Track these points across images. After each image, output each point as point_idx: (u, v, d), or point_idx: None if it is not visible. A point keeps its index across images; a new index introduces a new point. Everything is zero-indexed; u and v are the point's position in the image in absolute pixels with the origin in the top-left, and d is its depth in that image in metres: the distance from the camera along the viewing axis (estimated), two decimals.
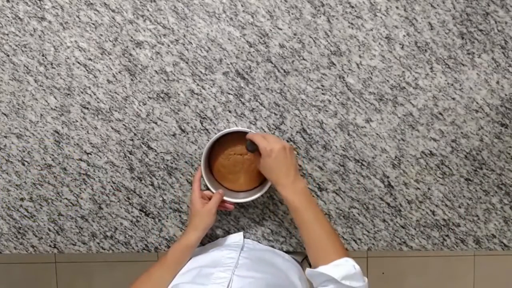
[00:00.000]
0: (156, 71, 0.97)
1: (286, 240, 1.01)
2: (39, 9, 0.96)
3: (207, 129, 0.98)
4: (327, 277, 0.74)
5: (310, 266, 0.83)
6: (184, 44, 0.96)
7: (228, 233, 1.01)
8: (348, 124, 0.97)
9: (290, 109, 0.97)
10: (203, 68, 0.96)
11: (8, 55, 0.97)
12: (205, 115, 0.98)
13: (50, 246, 1.02)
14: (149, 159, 0.99)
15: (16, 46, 0.96)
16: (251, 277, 0.78)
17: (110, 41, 0.96)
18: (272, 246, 1.01)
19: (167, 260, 0.86)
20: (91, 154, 0.99)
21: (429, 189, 0.99)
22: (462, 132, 0.98)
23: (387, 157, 0.98)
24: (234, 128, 0.92)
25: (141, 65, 0.97)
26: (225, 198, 0.91)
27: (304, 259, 1.03)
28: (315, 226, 0.81)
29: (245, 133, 0.90)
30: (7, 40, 0.96)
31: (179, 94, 0.97)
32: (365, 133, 0.98)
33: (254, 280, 0.77)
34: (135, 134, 0.98)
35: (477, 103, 0.97)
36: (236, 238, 0.97)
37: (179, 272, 0.85)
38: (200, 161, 0.96)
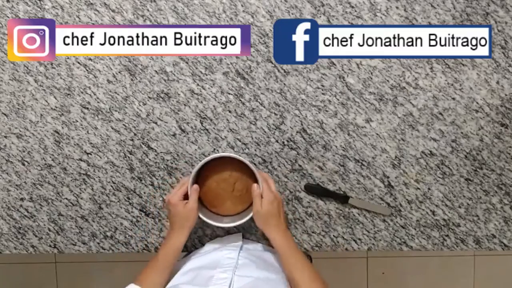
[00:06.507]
0: (156, 71, 0.97)
1: None
2: (39, 9, 0.96)
3: (207, 129, 0.98)
4: None
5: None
6: None
7: (228, 233, 1.01)
8: (348, 124, 0.97)
9: (290, 109, 0.97)
10: (203, 68, 0.96)
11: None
12: (205, 115, 0.98)
13: (50, 246, 1.02)
14: (149, 159, 0.99)
15: None
16: (251, 277, 0.78)
17: None
18: (272, 246, 1.01)
19: (159, 264, 0.87)
20: (91, 154, 0.99)
21: (429, 189, 0.99)
22: (462, 132, 0.98)
23: (387, 157, 0.98)
24: (224, 154, 0.90)
25: (141, 65, 0.97)
26: (209, 221, 0.90)
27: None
28: (301, 268, 0.85)
29: (233, 158, 0.89)
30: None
31: (179, 94, 0.97)
32: (365, 133, 0.98)
33: (254, 279, 0.78)
34: (135, 134, 0.98)
35: (477, 103, 0.97)
36: (235, 238, 0.97)
37: (177, 272, 0.86)
38: (197, 164, 0.95)
